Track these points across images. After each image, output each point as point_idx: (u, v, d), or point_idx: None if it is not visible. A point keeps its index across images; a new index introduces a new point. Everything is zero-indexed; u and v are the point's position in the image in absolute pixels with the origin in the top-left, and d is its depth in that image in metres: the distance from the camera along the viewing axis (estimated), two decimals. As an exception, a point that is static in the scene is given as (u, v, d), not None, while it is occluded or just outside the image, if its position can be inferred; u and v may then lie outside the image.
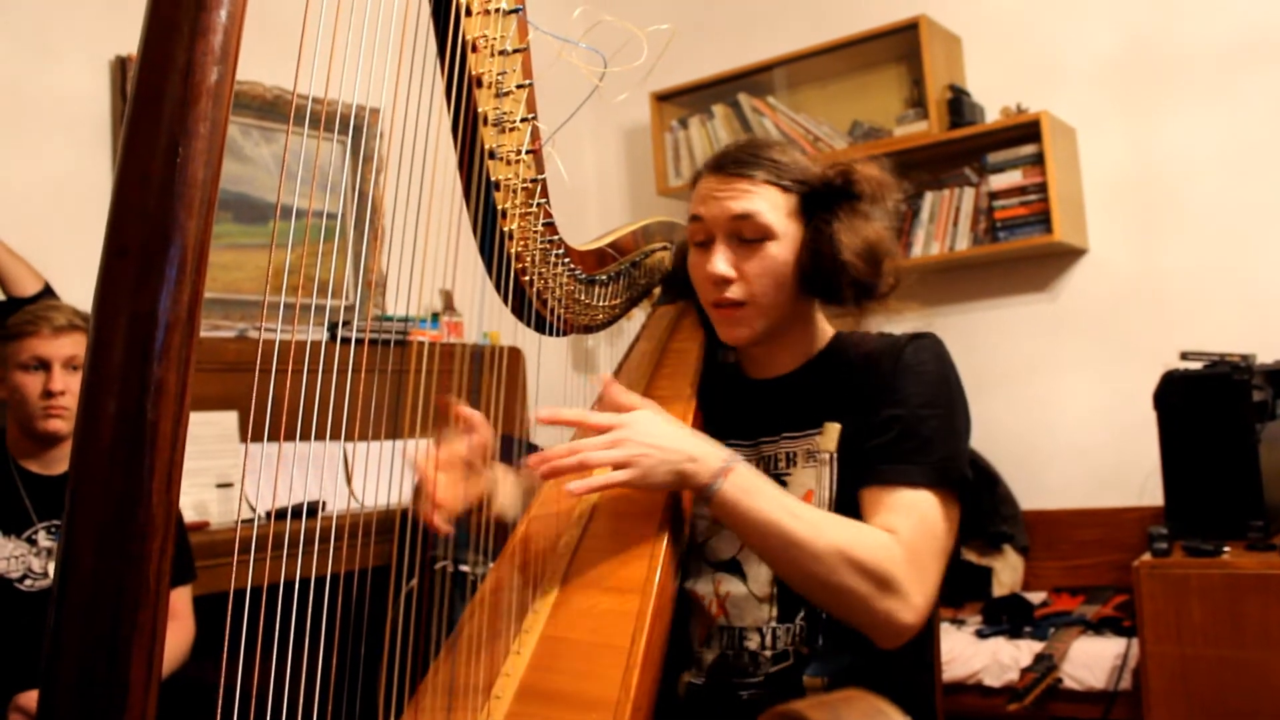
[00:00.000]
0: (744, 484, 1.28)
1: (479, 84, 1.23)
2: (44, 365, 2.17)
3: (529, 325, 1.47)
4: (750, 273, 1.42)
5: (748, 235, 1.42)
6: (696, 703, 1.44)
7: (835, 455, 1.40)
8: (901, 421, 1.35)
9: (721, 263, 1.42)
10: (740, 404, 1.53)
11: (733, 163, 1.45)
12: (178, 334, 0.64)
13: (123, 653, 0.63)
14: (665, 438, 1.29)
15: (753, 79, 4.09)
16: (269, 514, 2.72)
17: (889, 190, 1.45)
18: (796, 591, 1.36)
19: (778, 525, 1.26)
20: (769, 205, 1.42)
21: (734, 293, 1.43)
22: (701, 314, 1.58)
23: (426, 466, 1.34)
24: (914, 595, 1.26)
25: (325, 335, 3.09)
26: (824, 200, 1.42)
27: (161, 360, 0.63)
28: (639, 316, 1.86)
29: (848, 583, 1.25)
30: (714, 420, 1.56)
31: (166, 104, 0.63)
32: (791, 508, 1.29)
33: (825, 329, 1.53)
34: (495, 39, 1.23)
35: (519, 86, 1.26)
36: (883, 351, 1.43)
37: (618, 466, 1.26)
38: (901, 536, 1.29)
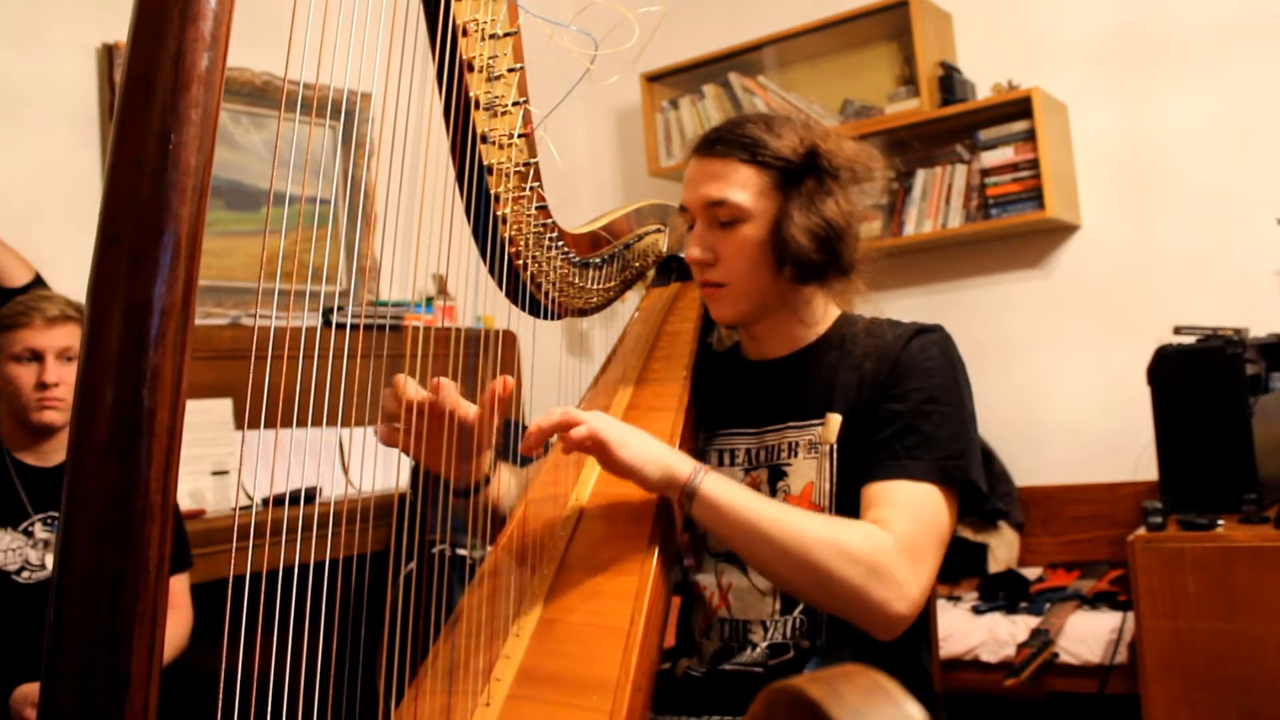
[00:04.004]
0: (720, 482, 1.28)
1: (470, 68, 1.23)
2: (37, 356, 2.16)
3: (523, 309, 1.47)
4: (725, 254, 1.43)
5: (723, 219, 1.42)
6: (696, 691, 1.44)
7: (835, 447, 1.39)
8: (903, 418, 1.34)
9: (697, 247, 1.45)
10: (740, 388, 1.53)
11: (712, 143, 1.45)
12: (173, 321, 0.64)
13: (123, 642, 0.63)
14: (638, 432, 1.28)
15: (743, 58, 4.07)
16: (265, 501, 2.72)
17: (864, 167, 1.43)
18: (784, 588, 1.36)
19: (764, 518, 1.25)
20: (741, 186, 1.41)
21: (712, 275, 1.45)
22: None
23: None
24: (908, 585, 1.25)
25: (319, 321, 3.08)
26: (796, 177, 1.41)
27: (157, 347, 0.63)
28: (633, 299, 1.86)
29: (840, 572, 1.23)
30: (715, 407, 1.55)
31: (158, 91, 0.63)
32: (772, 503, 1.29)
33: (829, 311, 1.50)
34: (486, 23, 1.22)
35: (510, 70, 1.26)
36: (888, 343, 1.41)
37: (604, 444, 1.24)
38: (894, 527, 1.27)
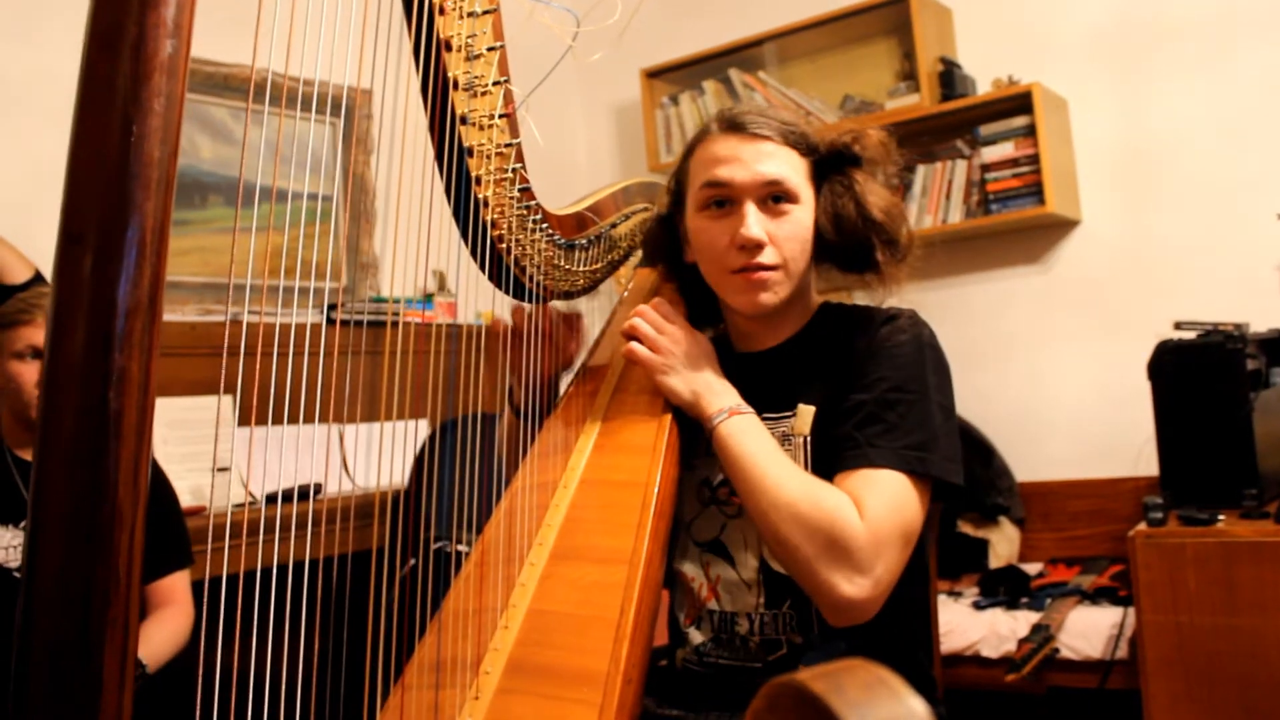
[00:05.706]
0: (742, 426, 1.33)
1: (448, 47, 1.20)
2: (39, 354, 2.16)
3: (507, 293, 1.44)
4: (781, 237, 1.38)
5: (778, 198, 1.38)
6: (696, 684, 1.44)
7: (809, 439, 1.36)
8: (867, 407, 1.31)
9: (757, 226, 1.37)
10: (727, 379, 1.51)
11: (753, 123, 1.40)
12: (139, 320, 0.62)
13: (94, 649, 0.61)
14: (697, 362, 1.40)
15: (744, 54, 4.07)
16: (265, 498, 2.72)
17: (894, 156, 1.44)
18: (768, 547, 1.35)
19: (755, 470, 1.28)
20: (792, 168, 1.39)
21: (768, 257, 1.37)
22: (682, 286, 1.55)
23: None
24: (866, 572, 1.22)
25: (315, 318, 3.08)
26: (835, 165, 1.40)
27: (123, 348, 0.61)
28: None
29: (794, 540, 1.23)
30: None
31: (118, 80, 0.61)
32: (774, 459, 1.30)
33: (815, 300, 1.49)
34: (464, 1, 1.20)
35: (490, 49, 1.23)
36: (858, 330, 1.39)
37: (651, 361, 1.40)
38: (864, 511, 1.24)
